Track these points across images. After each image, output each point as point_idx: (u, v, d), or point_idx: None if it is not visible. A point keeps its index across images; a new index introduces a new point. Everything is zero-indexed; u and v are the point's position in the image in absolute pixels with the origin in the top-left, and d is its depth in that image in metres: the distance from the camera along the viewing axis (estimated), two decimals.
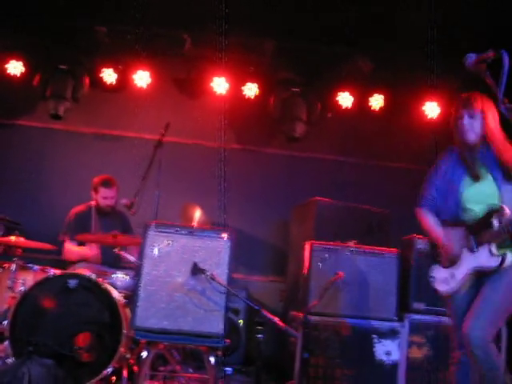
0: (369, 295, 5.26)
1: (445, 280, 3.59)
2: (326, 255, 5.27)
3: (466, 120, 3.56)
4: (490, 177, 3.55)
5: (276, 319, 4.31)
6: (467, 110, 3.56)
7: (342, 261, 5.26)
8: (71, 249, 5.60)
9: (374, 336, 5.17)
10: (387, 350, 5.15)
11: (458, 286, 3.54)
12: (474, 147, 3.59)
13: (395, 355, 5.16)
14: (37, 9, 6.13)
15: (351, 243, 5.36)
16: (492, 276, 3.45)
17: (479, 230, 3.47)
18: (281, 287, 6.60)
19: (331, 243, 5.33)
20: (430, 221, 3.75)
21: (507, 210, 3.36)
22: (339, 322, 5.16)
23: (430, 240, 3.76)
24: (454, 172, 3.66)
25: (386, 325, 5.20)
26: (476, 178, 3.56)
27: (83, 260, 5.50)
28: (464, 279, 3.52)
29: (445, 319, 5.27)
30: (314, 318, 5.10)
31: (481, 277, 3.51)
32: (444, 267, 3.62)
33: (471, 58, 2.87)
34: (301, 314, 5.13)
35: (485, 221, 3.45)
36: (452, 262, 3.56)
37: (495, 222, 3.40)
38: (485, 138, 3.56)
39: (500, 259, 3.40)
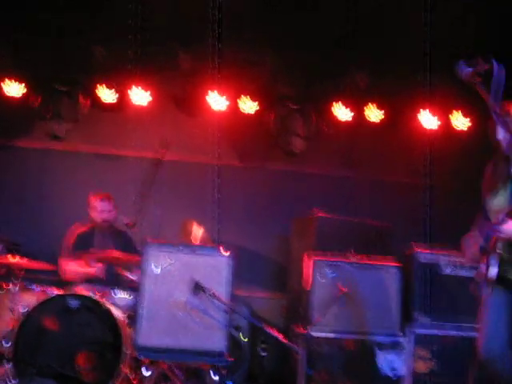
0: (372, 309, 5.24)
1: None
2: (328, 270, 5.25)
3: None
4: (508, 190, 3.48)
5: (279, 335, 4.29)
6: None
7: (344, 275, 5.25)
8: (69, 267, 5.55)
9: (378, 350, 5.14)
10: (392, 365, 5.12)
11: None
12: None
13: (400, 369, 5.13)
14: (34, 28, 6.17)
15: (353, 256, 5.33)
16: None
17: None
18: (283, 303, 6.57)
19: (332, 257, 5.32)
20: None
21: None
22: (342, 336, 5.13)
23: None
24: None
25: (389, 339, 5.18)
26: (494, 190, 3.48)
27: (86, 278, 5.46)
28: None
29: (450, 331, 5.26)
30: (316, 334, 5.08)
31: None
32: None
33: (465, 68, 2.88)
34: (303, 330, 5.10)
35: None
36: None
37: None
38: None
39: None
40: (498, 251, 3.25)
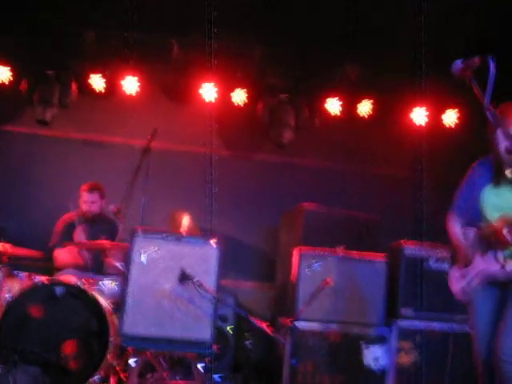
0: (357, 301, 5.27)
1: (457, 279, 3.64)
2: (314, 261, 5.27)
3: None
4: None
5: (264, 326, 4.30)
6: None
7: (330, 267, 5.27)
8: (59, 255, 5.56)
9: (362, 342, 5.17)
10: (375, 356, 5.15)
11: (467, 287, 3.58)
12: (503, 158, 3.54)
13: (383, 361, 5.16)
14: (24, 13, 6.10)
15: (339, 249, 5.36)
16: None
17: (490, 236, 3.51)
18: (269, 294, 6.59)
19: (319, 249, 5.34)
20: (456, 228, 3.76)
21: None
22: (327, 329, 5.16)
23: (453, 245, 3.80)
24: (481, 182, 3.65)
25: (374, 331, 5.21)
26: (497, 182, 3.56)
27: (74, 266, 5.45)
28: (473, 280, 3.55)
29: (433, 325, 5.30)
30: (302, 325, 5.09)
31: (505, 288, 3.53)
32: (459, 268, 3.67)
33: (458, 64, 2.88)
34: (289, 321, 5.12)
35: (496, 228, 3.46)
36: (466, 263, 3.60)
37: (505, 231, 3.40)
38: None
39: (502, 265, 3.44)
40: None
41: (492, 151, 3.56)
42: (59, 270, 5.46)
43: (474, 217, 3.64)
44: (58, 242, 5.58)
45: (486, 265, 3.50)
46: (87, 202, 5.68)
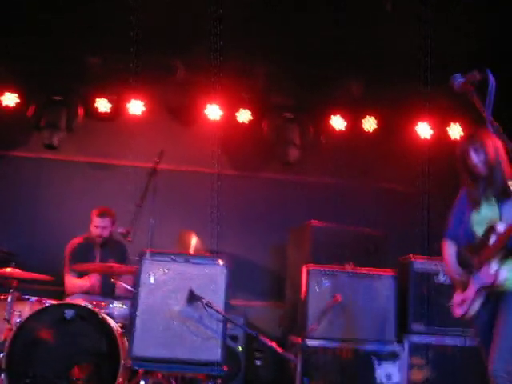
0: (367, 317, 5.24)
1: (460, 304, 3.68)
2: (323, 279, 5.26)
3: (473, 155, 3.68)
4: (493, 201, 3.65)
5: (274, 345, 4.29)
6: (473, 145, 3.68)
7: (339, 284, 5.25)
8: (72, 282, 5.57)
9: (374, 359, 5.14)
10: (388, 373, 5.11)
11: (471, 309, 3.61)
12: (479, 176, 3.71)
13: (396, 378, 5.12)
14: (31, 39, 6.17)
15: (348, 266, 5.35)
16: (503, 301, 3.54)
17: (480, 250, 3.59)
18: (279, 312, 6.56)
19: (328, 266, 5.33)
20: (449, 254, 3.87)
21: (500, 226, 3.49)
22: (338, 346, 5.13)
23: (449, 272, 3.90)
24: (465, 206, 3.80)
25: (385, 347, 5.18)
26: (476, 204, 3.70)
27: (84, 292, 5.46)
28: (474, 301, 3.59)
29: (445, 339, 5.26)
30: (313, 343, 5.08)
31: (498, 297, 3.57)
32: (459, 293, 3.72)
33: (458, 79, 2.90)
34: (300, 339, 5.10)
35: (484, 240, 3.57)
36: (464, 286, 3.67)
37: (492, 239, 3.51)
38: (490, 169, 3.66)
39: (495, 275, 3.49)
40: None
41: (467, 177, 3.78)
42: (68, 294, 5.47)
43: (469, 240, 3.74)
44: (69, 268, 5.59)
45: (480, 280, 3.56)
46: (98, 227, 5.69)
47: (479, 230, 3.67)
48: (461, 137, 3.69)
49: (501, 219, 3.56)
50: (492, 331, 3.53)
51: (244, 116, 6.90)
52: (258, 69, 6.71)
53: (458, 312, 3.69)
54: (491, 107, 2.72)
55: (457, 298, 3.72)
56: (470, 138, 3.80)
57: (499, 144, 3.60)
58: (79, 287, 5.51)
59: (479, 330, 3.68)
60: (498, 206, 3.63)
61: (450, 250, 3.89)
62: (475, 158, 3.68)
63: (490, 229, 3.56)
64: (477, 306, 3.59)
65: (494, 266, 3.50)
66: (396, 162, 7.00)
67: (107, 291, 5.44)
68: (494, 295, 3.56)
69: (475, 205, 3.72)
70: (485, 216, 3.67)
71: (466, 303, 3.62)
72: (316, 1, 5.84)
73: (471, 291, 3.59)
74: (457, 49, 5.88)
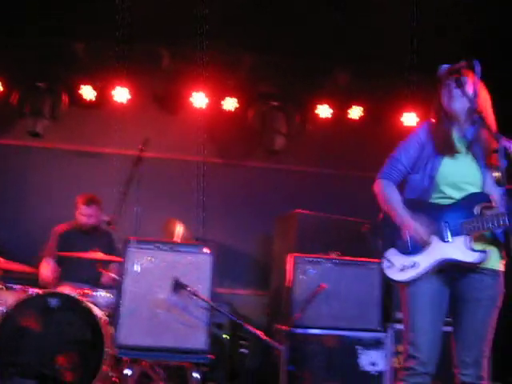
0: (352, 306, 5.27)
1: (403, 268, 3.07)
2: (309, 267, 5.27)
3: (453, 88, 3.07)
4: (470, 156, 3.09)
5: (259, 333, 4.30)
6: (456, 78, 3.05)
7: (324, 272, 5.27)
8: (49, 269, 5.50)
9: (359, 347, 5.17)
10: (372, 361, 5.15)
11: (417, 277, 3.02)
12: (456, 118, 3.12)
13: (380, 365, 5.16)
14: (14, 25, 6.11)
15: (334, 255, 5.37)
16: (470, 282, 3.02)
17: (456, 218, 3.02)
18: (265, 300, 6.59)
19: (314, 255, 5.34)
20: (395, 196, 3.19)
21: (494, 202, 2.97)
22: (323, 334, 5.15)
23: (392, 218, 3.15)
24: (431, 146, 3.14)
25: (370, 335, 5.21)
26: (450, 149, 3.08)
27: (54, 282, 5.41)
28: (427, 270, 3.01)
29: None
30: (298, 331, 5.09)
31: (452, 272, 3.04)
32: (404, 253, 3.10)
33: (444, 69, 2.91)
34: (285, 327, 5.12)
35: (464, 208, 3.01)
36: (416, 248, 3.06)
37: (476, 212, 2.98)
38: (472, 113, 3.08)
39: (479, 255, 2.95)
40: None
41: (440, 115, 3.18)
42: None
43: (418, 184, 3.14)
44: (53, 255, 5.56)
45: (450, 253, 2.98)
46: (85, 215, 5.67)
47: (451, 190, 3.06)
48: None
49: (484, 187, 3.02)
50: (436, 313, 3.02)
51: (230, 104, 6.88)
52: (244, 57, 6.69)
53: (397, 277, 3.08)
54: (477, 96, 2.73)
55: (398, 259, 3.08)
56: (455, 68, 3.07)
57: (487, 95, 3.13)
58: (52, 276, 5.45)
59: (419, 308, 3.03)
60: (479, 166, 3.05)
61: (397, 195, 3.19)
62: (455, 90, 3.05)
63: (477, 199, 2.99)
64: (426, 274, 3.02)
65: (471, 243, 2.96)
66: (381, 151, 6.98)
67: (93, 280, 5.42)
68: (449, 273, 3.04)
69: (448, 150, 3.07)
70: (460, 172, 3.05)
71: (413, 269, 3.02)
72: None
73: (429, 260, 3.00)
74: (444, 39, 5.89)
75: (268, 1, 5.89)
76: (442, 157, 3.08)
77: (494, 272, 3.04)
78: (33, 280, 5.41)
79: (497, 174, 2.89)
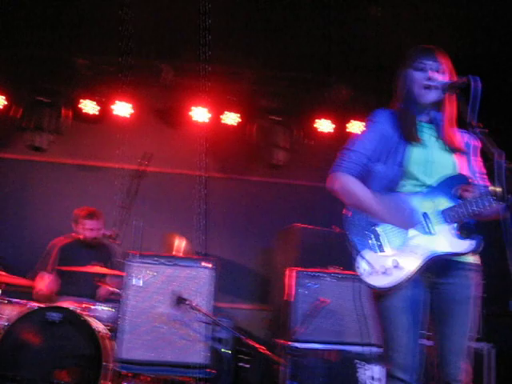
0: (353, 320, 5.26)
1: (385, 270, 2.71)
2: (310, 281, 5.27)
3: (432, 74, 2.87)
4: (439, 141, 2.90)
5: (260, 347, 4.30)
6: (433, 60, 2.89)
7: (325, 287, 5.26)
8: (40, 284, 5.49)
9: (359, 361, 5.15)
10: (372, 375, 5.13)
11: (404, 279, 2.68)
12: (426, 105, 2.92)
13: (380, 380, 5.14)
14: (16, 39, 6.15)
15: (334, 269, 5.37)
16: (456, 282, 2.78)
17: (435, 206, 2.76)
18: (266, 315, 6.57)
19: (314, 269, 5.34)
20: (363, 190, 2.86)
21: (473, 183, 2.77)
22: (324, 349, 5.14)
23: (363, 210, 2.83)
24: (393, 134, 2.90)
25: (370, 350, 5.19)
26: (413, 138, 2.84)
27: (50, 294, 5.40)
28: (414, 272, 2.68)
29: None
30: (299, 345, 5.08)
31: (436, 272, 2.78)
32: (381, 252, 2.75)
33: (443, 84, 2.92)
34: (286, 342, 5.11)
35: (441, 194, 2.76)
36: (394, 243, 2.75)
37: (457, 196, 2.75)
38: (439, 101, 2.89)
39: (470, 243, 2.68)
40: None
41: (407, 102, 2.95)
42: (50, 297, 5.42)
43: (385, 174, 2.86)
44: (48, 268, 5.54)
45: (438, 245, 2.70)
46: (88, 229, 5.63)
47: (424, 177, 2.80)
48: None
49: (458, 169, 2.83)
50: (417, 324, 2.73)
51: (231, 119, 6.91)
52: (245, 72, 6.73)
53: (379, 282, 2.70)
54: (476, 111, 2.74)
55: (378, 260, 2.73)
56: (431, 50, 2.93)
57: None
58: (49, 289, 5.43)
59: (401, 318, 2.71)
60: (450, 153, 2.86)
61: (360, 185, 2.86)
62: (434, 76, 2.84)
63: (451, 179, 2.77)
64: (412, 277, 2.69)
65: (457, 231, 2.71)
66: None
67: (93, 294, 5.41)
68: (430, 273, 2.76)
69: (414, 137, 2.84)
70: (432, 159, 2.83)
71: (397, 270, 2.68)
72: (304, 6, 5.86)
73: (416, 256, 2.69)
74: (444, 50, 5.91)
75: (269, 16, 5.93)
76: (410, 143, 2.83)
77: (477, 266, 2.84)
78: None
79: (498, 189, 2.51)
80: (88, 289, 5.41)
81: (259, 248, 6.92)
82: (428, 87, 2.84)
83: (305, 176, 7.20)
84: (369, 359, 5.15)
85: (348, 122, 7.07)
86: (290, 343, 5.03)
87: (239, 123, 6.94)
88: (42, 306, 4.76)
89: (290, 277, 5.34)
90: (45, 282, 5.43)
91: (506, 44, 5.70)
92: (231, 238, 6.82)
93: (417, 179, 2.82)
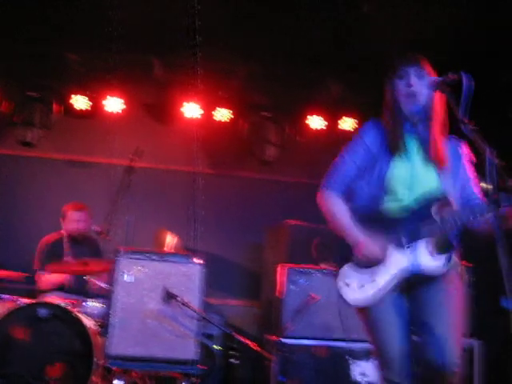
0: (343, 316, 5.25)
1: (361, 286, 2.80)
2: (300, 277, 5.27)
3: (414, 80, 2.85)
4: (423, 157, 2.86)
5: (250, 343, 4.30)
6: (415, 68, 2.87)
7: (315, 283, 5.27)
8: (45, 279, 5.49)
9: (349, 357, 5.16)
10: (362, 371, 5.14)
11: (379, 294, 2.76)
12: (411, 117, 2.89)
13: (370, 376, 5.15)
14: (6, 34, 6.11)
15: (324, 265, 5.37)
16: (430, 287, 2.80)
17: (412, 222, 2.78)
18: (256, 311, 6.58)
19: (304, 266, 5.34)
20: (343, 211, 2.91)
21: (452, 201, 2.77)
22: (314, 345, 5.15)
23: (340, 233, 2.89)
24: (380, 148, 2.90)
25: (360, 346, 5.20)
26: (398, 150, 2.83)
27: (59, 287, 5.40)
28: (388, 285, 2.75)
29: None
30: (288, 341, 5.08)
31: (410, 285, 2.81)
32: (361, 267, 2.81)
33: (434, 80, 2.91)
34: (275, 338, 5.11)
35: (420, 210, 2.78)
36: (371, 261, 2.78)
37: (434, 213, 2.76)
38: (426, 111, 2.86)
39: (442, 261, 2.73)
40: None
41: (390, 112, 2.95)
42: (42, 292, 5.42)
43: (368, 191, 2.89)
44: (40, 265, 5.53)
45: (413, 260, 2.74)
46: (75, 220, 5.63)
47: (404, 193, 2.81)
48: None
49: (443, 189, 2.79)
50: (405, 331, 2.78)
51: (222, 115, 6.90)
52: (236, 68, 6.71)
53: (356, 297, 2.82)
54: (467, 108, 2.73)
55: (355, 277, 2.81)
56: (412, 57, 2.92)
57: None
58: (52, 284, 5.44)
59: (388, 327, 2.79)
60: (434, 168, 2.83)
61: (344, 208, 2.90)
62: (417, 83, 2.82)
63: (434, 200, 2.76)
64: (387, 291, 2.76)
65: (432, 248, 2.74)
66: None
67: (82, 289, 5.39)
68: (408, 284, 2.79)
69: (399, 150, 2.83)
70: (413, 174, 2.82)
71: (373, 285, 2.77)
72: (296, 3, 5.85)
73: (390, 271, 2.75)
74: (435, 50, 5.91)
75: (260, 12, 5.92)
76: (392, 157, 2.84)
77: (455, 271, 2.84)
78: (23, 290, 5.39)
79: (487, 186, 2.56)
80: (77, 285, 5.40)
81: (250, 244, 6.92)
82: (409, 94, 2.84)
83: (296, 172, 7.20)
84: (359, 355, 5.17)
85: (340, 118, 7.08)
86: (280, 339, 5.03)
87: (230, 119, 6.93)
88: (31, 302, 4.74)
89: (281, 273, 5.34)
90: (45, 281, 5.42)
91: (499, 41, 5.70)
92: (222, 234, 6.81)
93: (396, 195, 2.83)
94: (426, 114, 2.86)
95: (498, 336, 5.23)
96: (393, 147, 2.85)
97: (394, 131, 2.88)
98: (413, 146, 2.89)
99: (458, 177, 2.90)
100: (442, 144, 2.86)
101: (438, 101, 2.87)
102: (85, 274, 5.19)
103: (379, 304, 2.79)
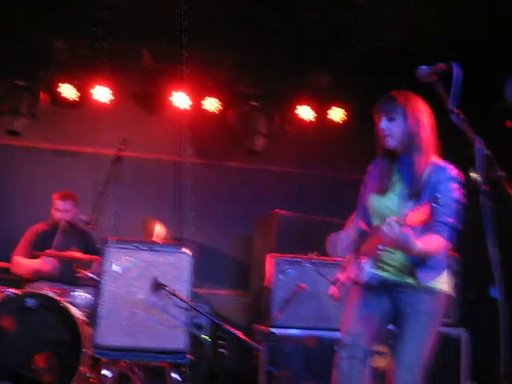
0: (331, 306, 5.28)
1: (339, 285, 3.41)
2: (288, 268, 5.28)
3: (384, 124, 3.11)
4: (397, 189, 3.11)
5: (239, 333, 4.30)
6: (385, 112, 3.12)
7: (304, 273, 5.28)
8: (22, 262, 5.44)
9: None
10: None
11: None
12: (393, 154, 3.15)
13: None
14: None
15: (313, 255, 5.38)
16: (407, 297, 3.17)
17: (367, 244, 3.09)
18: (244, 301, 6.59)
19: (293, 255, 5.35)
20: (346, 232, 3.49)
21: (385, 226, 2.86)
22: (303, 335, 5.16)
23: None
24: (372, 183, 3.25)
25: None
26: (382, 190, 3.13)
27: (37, 274, 5.36)
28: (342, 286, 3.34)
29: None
30: (277, 331, 5.10)
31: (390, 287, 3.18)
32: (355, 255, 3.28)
33: (424, 70, 2.91)
34: (264, 328, 5.12)
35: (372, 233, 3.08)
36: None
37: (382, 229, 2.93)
38: (406, 144, 3.08)
39: (367, 274, 3.09)
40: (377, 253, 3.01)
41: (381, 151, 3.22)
42: (30, 280, 5.38)
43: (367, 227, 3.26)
44: (26, 252, 5.49)
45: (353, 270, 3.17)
46: (60, 210, 5.61)
47: (375, 220, 3.15)
48: None
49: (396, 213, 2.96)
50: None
51: (211, 104, 6.88)
52: (224, 57, 6.68)
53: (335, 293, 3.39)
54: (456, 98, 2.74)
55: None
56: (385, 99, 3.14)
57: (425, 111, 3.10)
58: (31, 269, 5.38)
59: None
60: (400, 199, 3.06)
61: (348, 230, 3.40)
62: (385, 127, 3.08)
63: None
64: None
65: (368, 264, 3.06)
66: (362, 153, 7.02)
67: (69, 279, 5.37)
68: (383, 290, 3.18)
69: (381, 188, 3.13)
70: (385, 206, 3.10)
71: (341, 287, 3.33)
72: None
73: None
74: (426, 41, 5.92)
75: (248, 3, 5.89)
76: (376, 194, 3.17)
77: (430, 289, 3.09)
78: (10, 280, 5.36)
79: (474, 175, 2.63)
80: (65, 274, 5.37)
81: (238, 234, 6.92)
82: (383, 137, 3.11)
83: (285, 162, 7.20)
84: None
85: (329, 108, 7.07)
86: (269, 329, 5.05)
87: (219, 109, 6.90)
88: (19, 292, 4.72)
89: (270, 263, 5.35)
90: (21, 267, 5.38)
91: (495, 34, 5.70)
92: (210, 224, 6.80)
93: (372, 225, 3.16)
94: (410, 146, 3.06)
95: (485, 325, 5.27)
96: (374, 185, 3.18)
97: (379, 168, 3.20)
98: (396, 181, 3.12)
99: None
100: (422, 177, 3.01)
101: (425, 126, 3.07)
102: (72, 264, 5.18)
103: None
